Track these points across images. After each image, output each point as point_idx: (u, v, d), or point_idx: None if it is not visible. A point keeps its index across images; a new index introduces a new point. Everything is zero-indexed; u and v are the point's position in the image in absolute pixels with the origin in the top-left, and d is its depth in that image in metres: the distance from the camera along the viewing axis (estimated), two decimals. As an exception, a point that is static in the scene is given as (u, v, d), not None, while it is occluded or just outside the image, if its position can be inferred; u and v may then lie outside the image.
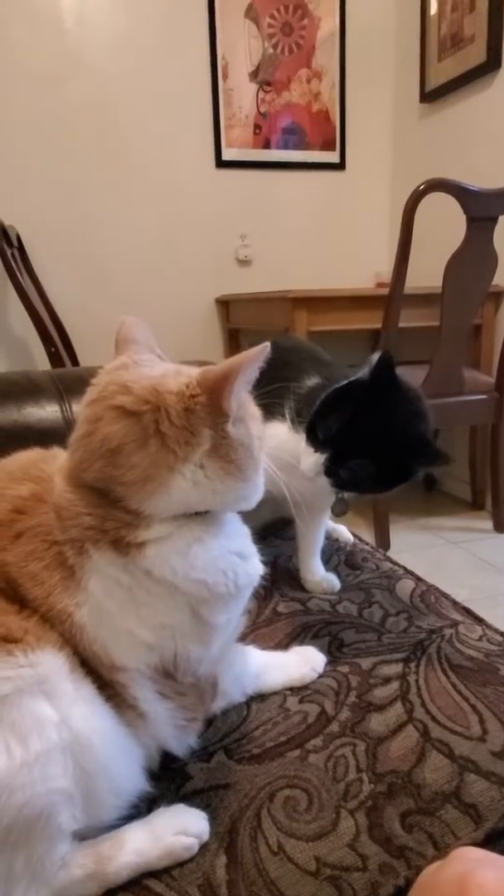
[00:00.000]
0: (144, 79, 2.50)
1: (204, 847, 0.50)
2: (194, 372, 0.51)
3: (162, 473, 0.49)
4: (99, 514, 0.49)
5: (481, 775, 0.54)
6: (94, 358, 2.45)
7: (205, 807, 0.53)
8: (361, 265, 2.88)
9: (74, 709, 0.46)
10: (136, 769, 0.53)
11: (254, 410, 0.55)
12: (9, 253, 2.14)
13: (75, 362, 2.39)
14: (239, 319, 2.70)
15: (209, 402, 0.49)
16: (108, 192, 2.54)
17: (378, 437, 0.72)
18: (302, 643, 0.74)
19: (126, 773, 0.51)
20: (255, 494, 0.55)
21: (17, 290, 2.11)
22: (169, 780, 0.57)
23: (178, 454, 0.49)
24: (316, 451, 0.75)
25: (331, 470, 0.74)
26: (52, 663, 0.46)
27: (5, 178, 2.41)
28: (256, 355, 0.49)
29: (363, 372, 0.74)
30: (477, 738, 0.57)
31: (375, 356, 0.73)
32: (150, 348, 0.58)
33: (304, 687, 0.67)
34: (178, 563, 0.50)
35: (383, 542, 2.12)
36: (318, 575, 0.89)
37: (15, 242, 2.30)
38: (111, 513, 0.49)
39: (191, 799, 0.55)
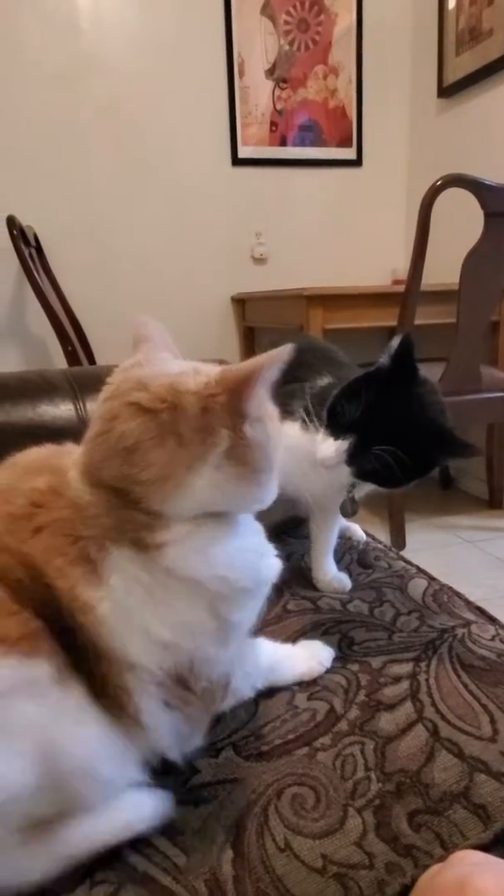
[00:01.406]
0: (160, 78, 2.51)
1: (211, 840, 0.51)
2: (213, 371, 0.50)
3: (180, 473, 0.48)
4: (118, 515, 0.49)
5: (491, 776, 0.54)
6: (111, 356, 2.48)
7: (213, 799, 0.54)
8: (378, 262, 2.87)
9: (57, 715, 0.46)
10: (128, 771, 0.52)
11: (272, 410, 0.55)
12: (27, 253, 2.16)
13: (92, 361, 2.40)
14: (254, 318, 2.70)
15: (228, 402, 0.48)
16: (125, 191, 2.56)
17: (405, 424, 0.70)
18: (311, 640, 0.74)
19: (115, 774, 0.51)
20: (269, 496, 0.55)
21: (35, 289, 2.13)
22: (177, 773, 0.57)
23: (196, 454, 0.48)
24: (336, 438, 0.73)
25: (354, 458, 0.72)
26: (40, 669, 0.46)
27: (24, 179, 2.43)
28: (279, 356, 0.48)
29: (384, 358, 0.73)
30: (487, 738, 0.56)
31: (396, 340, 0.72)
32: (166, 346, 0.58)
33: (313, 683, 0.67)
34: (198, 561, 0.50)
35: (399, 540, 2.10)
36: (330, 574, 0.88)
37: (33, 242, 2.32)
38: (130, 514, 0.49)
39: (198, 791, 0.55)
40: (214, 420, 0.48)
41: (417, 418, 0.71)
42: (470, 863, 0.29)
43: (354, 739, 0.59)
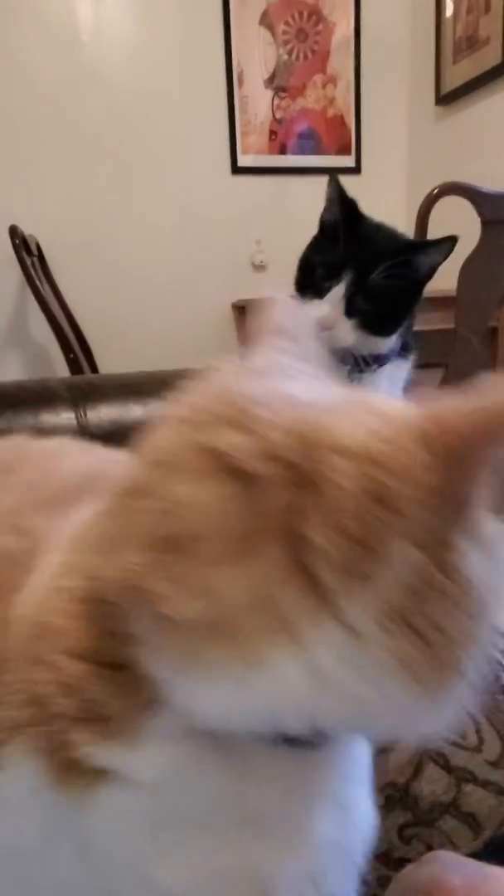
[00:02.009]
0: (160, 88, 2.53)
1: None
2: (402, 412, 0.25)
3: (261, 633, 0.22)
4: (83, 676, 0.24)
5: (479, 785, 0.55)
6: (113, 364, 2.50)
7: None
8: (378, 268, 2.88)
9: None
10: None
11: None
12: (29, 262, 2.18)
13: (94, 368, 2.42)
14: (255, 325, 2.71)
15: (447, 488, 0.22)
16: (126, 200, 2.58)
17: (383, 245, 0.71)
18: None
19: None
20: (448, 716, 0.25)
21: (37, 297, 2.15)
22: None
23: (323, 596, 0.22)
24: (323, 296, 0.72)
25: (351, 304, 0.70)
26: None
27: (26, 189, 2.45)
28: None
29: (328, 210, 0.77)
30: (473, 748, 0.57)
31: (330, 188, 0.76)
32: (307, 355, 0.31)
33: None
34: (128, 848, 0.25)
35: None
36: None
37: (35, 251, 2.34)
38: (100, 687, 0.24)
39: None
40: (397, 522, 0.22)
41: (389, 238, 0.72)
42: (442, 863, 0.30)
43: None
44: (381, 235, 0.73)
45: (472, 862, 0.30)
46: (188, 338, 2.60)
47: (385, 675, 0.22)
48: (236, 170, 2.68)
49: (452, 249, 0.72)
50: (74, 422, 1.17)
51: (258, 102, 2.65)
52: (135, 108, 2.52)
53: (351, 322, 0.72)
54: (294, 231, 3.07)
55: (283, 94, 2.68)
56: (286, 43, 2.64)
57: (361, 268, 0.70)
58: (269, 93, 2.67)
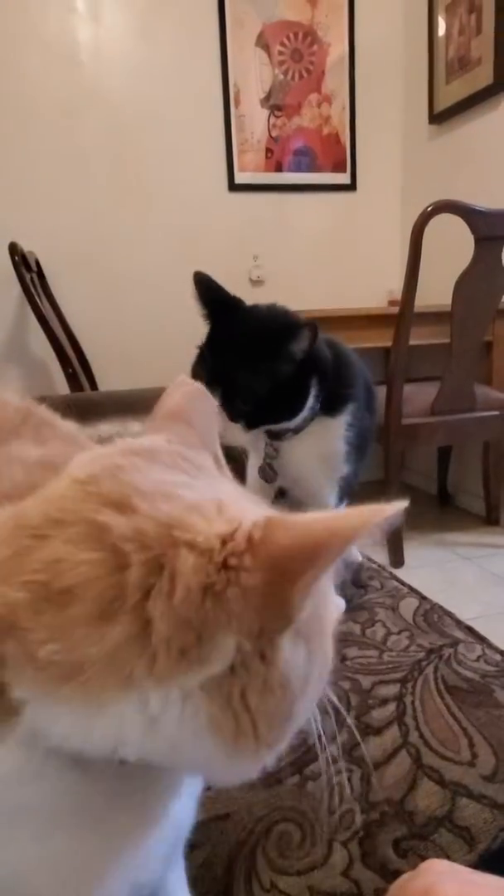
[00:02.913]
0: (158, 107, 2.57)
1: (205, 893, 0.51)
2: (252, 515, 0.29)
3: (107, 683, 0.26)
4: None
5: (473, 798, 0.56)
6: (112, 379, 2.51)
7: (206, 842, 0.55)
8: (374, 284, 2.91)
9: None
10: None
11: (328, 613, 0.32)
12: (28, 278, 2.20)
13: (93, 383, 2.44)
14: (252, 339, 2.74)
15: (268, 590, 0.26)
16: (124, 217, 2.61)
17: (240, 347, 0.72)
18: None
19: None
20: (252, 774, 0.31)
21: (36, 313, 2.17)
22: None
23: (159, 666, 0.26)
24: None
25: (231, 410, 0.72)
26: None
27: (26, 207, 2.48)
28: (372, 520, 0.27)
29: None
30: (466, 762, 0.58)
31: (195, 286, 0.76)
32: (205, 442, 0.36)
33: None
34: None
35: (397, 557, 2.12)
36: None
37: (34, 268, 2.37)
38: None
39: (194, 832, 0.56)
40: (223, 614, 0.26)
41: (255, 334, 0.73)
42: (436, 872, 0.31)
43: (343, 767, 0.61)
44: (248, 331, 0.72)
45: (465, 870, 0.31)
46: (186, 353, 2.62)
47: (200, 729, 0.27)
48: (233, 187, 2.72)
49: (316, 335, 0.72)
50: (74, 438, 1.18)
51: (254, 121, 2.70)
52: (133, 127, 2.56)
53: (238, 424, 0.74)
54: (290, 247, 3.14)
55: (278, 113, 2.73)
56: (282, 63, 2.69)
57: (230, 372, 0.72)
58: (266, 112, 2.71)
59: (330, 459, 0.86)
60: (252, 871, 0.52)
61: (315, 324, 0.73)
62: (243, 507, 0.30)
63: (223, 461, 0.37)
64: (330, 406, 0.82)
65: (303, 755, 0.62)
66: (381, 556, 2.09)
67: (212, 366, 0.72)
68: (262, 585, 0.26)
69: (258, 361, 0.70)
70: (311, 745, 0.63)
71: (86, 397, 1.54)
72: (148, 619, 0.26)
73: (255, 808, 0.57)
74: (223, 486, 0.33)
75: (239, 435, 0.75)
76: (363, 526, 0.26)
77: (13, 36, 2.36)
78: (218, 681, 0.26)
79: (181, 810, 0.36)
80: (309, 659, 0.29)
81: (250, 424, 0.74)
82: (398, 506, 0.29)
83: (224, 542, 0.27)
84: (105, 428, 1.22)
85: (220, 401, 0.72)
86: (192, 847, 0.54)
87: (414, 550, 2.21)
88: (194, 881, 0.52)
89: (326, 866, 0.52)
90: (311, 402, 0.78)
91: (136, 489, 0.28)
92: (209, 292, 0.74)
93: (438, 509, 2.72)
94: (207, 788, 0.59)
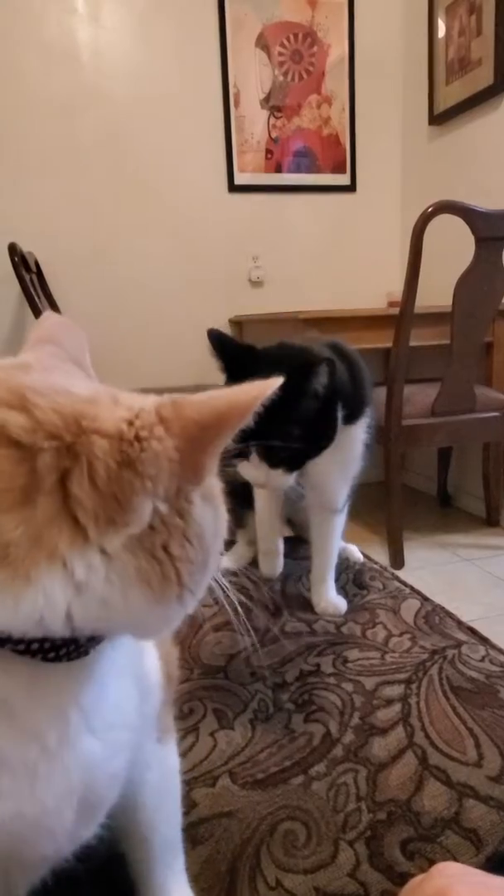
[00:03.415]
0: (158, 108, 2.57)
1: (208, 891, 0.51)
2: (147, 403, 0.32)
3: (33, 559, 0.29)
4: None
5: (480, 800, 0.55)
6: (111, 380, 2.51)
7: (209, 838, 0.54)
8: (374, 285, 2.91)
9: None
10: None
11: (217, 483, 0.37)
12: (27, 279, 2.20)
13: (92, 384, 2.43)
14: (252, 339, 2.73)
15: (180, 456, 0.31)
16: (124, 218, 2.61)
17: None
18: (306, 660, 0.75)
19: None
20: (178, 620, 0.35)
21: (35, 314, 2.16)
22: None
23: (83, 537, 0.30)
24: (248, 458, 0.74)
25: (270, 458, 0.72)
26: None
27: (25, 207, 2.48)
28: (262, 393, 0.32)
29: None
30: (473, 763, 0.58)
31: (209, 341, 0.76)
32: (76, 360, 0.41)
33: (310, 703, 0.68)
34: None
35: (397, 559, 2.11)
36: (325, 600, 0.90)
37: (34, 268, 2.36)
38: None
39: (196, 828, 0.56)
40: (139, 482, 0.30)
41: (272, 375, 0.72)
42: (448, 874, 0.30)
43: (348, 767, 0.60)
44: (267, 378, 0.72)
45: (478, 872, 0.31)
46: (185, 354, 2.62)
47: (128, 584, 0.30)
48: (233, 188, 2.72)
49: (335, 368, 0.73)
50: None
51: (254, 122, 2.70)
52: (133, 127, 2.56)
53: (280, 469, 0.74)
54: (290, 248, 3.13)
55: (278, 114, 2.72)
56: (282, 64, 2.69)
57: (258, 424, 0.71)
58: (265, 113, 2.71)
59: (351, 463, 0.88)
60: (256, 868, 0.52)
61: (332, 358, 0.73)
62: (134, 397, 0.34)
63: (94, 375, 0.41)
64: (350, 415, 0.82)
65: (308, 755, 0.62)
66: (382, 558, 2.09)
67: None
68: (173, 451, 0.30)
69: (284, 407, 0.70)
70: (315, 746, 0.63)
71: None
72: (67, 498, 0.29)
73: (260, 807, 0.57)
74: (101, 387, 0.36)
75: (283, 479, 0.75)
76: (258, 398, 0.32)
77: (13, 37, 2.36)
78: (140, 539, 0.31)
79: (93, 757, 0.36)
80: (215, 516, 0.34)
81: (292, 467, 0.74)
82: (277, 380, 0.34)
83: (130, 424, 0.31)
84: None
85: (257, 454, 0.73)
86: (195, 843, 0.54)
87: (414, 552, 2.20)
88: (196, 878, 0.51)
89: (333, 866, 0.51)
90: (339, 422, 0.79)
91: (29, 388, 0.31)
92: (223, 346, 0.74)
93: (439, 511, 2.72)
94: (212, 784, 0.58)
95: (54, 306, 2.46)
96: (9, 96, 2.39)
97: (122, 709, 0.38)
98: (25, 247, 2.28)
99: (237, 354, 0.76)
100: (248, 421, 0.33)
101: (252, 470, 0.75)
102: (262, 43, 2.65)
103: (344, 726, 0.65)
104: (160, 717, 0.46)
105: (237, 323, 2.80)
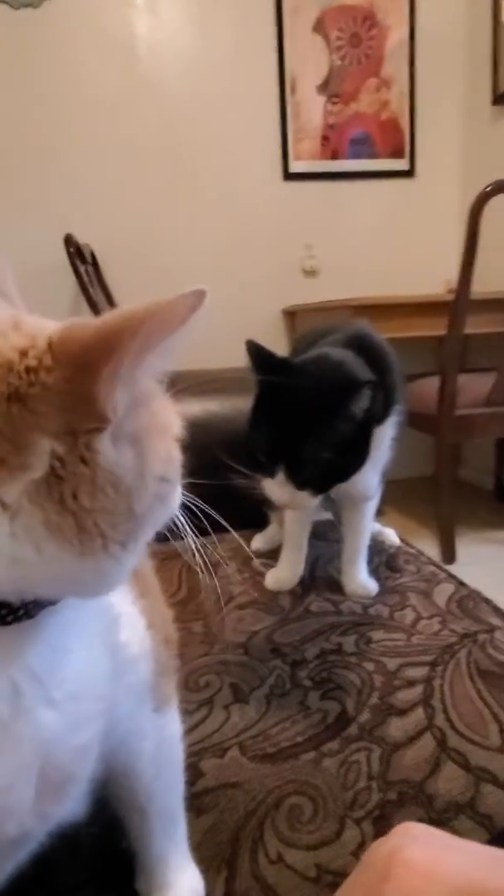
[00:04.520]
0: (213, 98, 2.58)
1: (209, 858, 0.49)
2: (49, 328, 0.29)
3: None
4: None
5: (498, 786, 0.52)
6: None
7: (213, 807, 0.53)
8: (432, 272, 2.82)
9: None
10: None
11: (164, 417, 0.33)
12: (83, 269, 2.25)
13: (144, 373, 2.46)
14: (305, 329, 2.70)
15: (69, 387, 0.26)
16: (179, 208, 2.63)
17: (305, 409, 0.67)
18: (328, 639, 0.73)
19: None
20: (118, 572, 0.31)
21: (90, 304, 2.21)
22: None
23: None
24: (273, 475, 0.70)
25: (298, 477, 0.69)
26: None
27: (83, 200, 2.53)
28: (183, 308, 0.29)
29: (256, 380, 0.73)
30: (495, 748, 0.54)
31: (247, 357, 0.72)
32: None
33: (328, 680, 0.66)
34: None
35: (448, 554, 2.04)
36: (355, 581, 0.87)
37: (89, 259, 2.41)
38: None
39: (201, 798, 0.54)
40: (31, 419, 0.27)
41: (313, 397, 0.68)
42: (410, 835, 0.28)
43: (362, 745, 0.58)
44: (304, 396, 0.68)
45: (443, 834, 0.28)
46: (237, 342, 2.61)
47: (40, 539, 0.27)
48: (288, 176, 2.69)
49: (377, 391, 0.68)
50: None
51: (311, 108, 2.66)
52: (188, 118, 2.57)
53: (306, 491, 0.70)
54: (345, 236, 3.08)
55: (335, 100, 2.68)
56: (339, 49, 2.64)
57: (290, 443, 0.68)
58: (322, 99, 2.67)
59: (381, 457, 0.84)
60: (259, 841, 0.50)
61: (374, 380, 0.69)
62: (45, 325, 0.29)
63: (18, 303, 0.37)
64: (381, 416, 0.78)
65: (322, 732, 0.60)
66: (433, 552, 2.02)
67: (270, 435, 0.69)
68: (62, 382, 0.26)
69: (319, 429, 0.67)
70: (329, 723, 0.61)
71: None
72: None
73: (268, 780, 0.55)
74: (10, 313, 0.31)
75: (308, 501, 0.72)
76: (156, 314, 0.27)
77: (73, 30, 2.41)
78: (45, 489, 0.27)
79: (51, 730, 0.33)
80: (140, 459, 0.29)
81: (319, 490, 0.71)
82: (200, 291, 0.30)
83: (24, 353, 0.27)
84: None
85: (284, 472, 0.69)
86: (199, 812, 0.53)
87: (466, 547, 2.12)
88: (197, 847, 0.50)
89: (337, 843, 0.49)
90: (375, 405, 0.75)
91: None
92: (260, 359, 0.71)
93: (494, 505, 2.61)
94: (221, 755, 0.57)
95: (108, 296, 2.50)
96: (67, 89, 2.44)
97: (90, 678, 0.36)
98: (81, 238, 2.33)
99: (274, 368, 0.72)
100: (152, 346, 0.28)
101: (276, 488, 0.71)
102: (320, 28, 2.61)
103: (361, 705, 0.63)
104: (155, 687, 0.44)
105: (290, 313, 2.78)
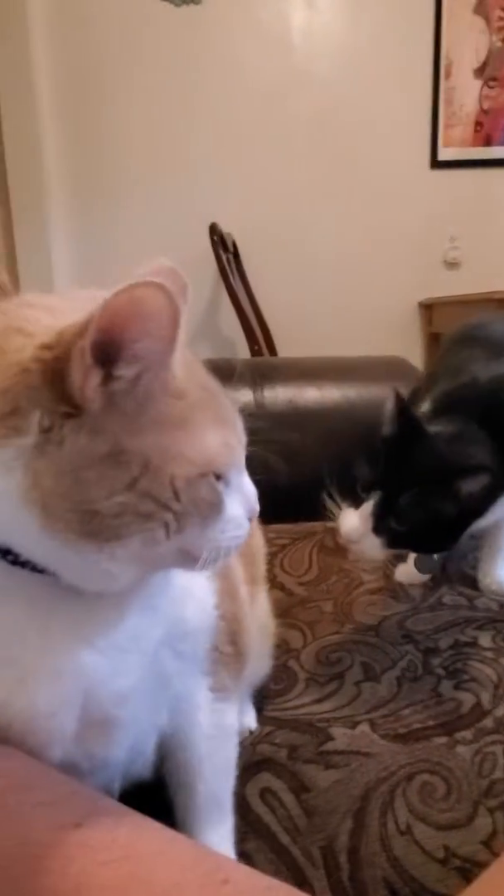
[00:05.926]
0: (365, 87, 2.55)
1: (334, 805, 0.50)
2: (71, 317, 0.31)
3: None
4: None
5: None
6: (294, 354, 2.54)
7: (344, 766, 0.54)
8: None
9: None
10: None
11: (192, 452, 0.33)
12: (224, 258, 2.31)
13: (275, 362, 2.50)
14: (441, 324, 2.61)
15: (55, 363, 0.30)
16: (322, 198, 2.63)
17: (422, 469, 0.67)
18: (463, 632, 0.71)
19: None
20: (92, 574, 0.34)
21: (230, 293, 2.27)
22: (311, 734, 0.58)
23: None
24: (359, 506, 0.69)
25: (380, 523, 0.67)
26: None
27: (229, 191, 2.60)
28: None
29: (386, 427, 0.70)
30: None
31: (390, 403, 0.69)
32: None
33: (463, 671, 0.65)
34: None
35: None
36: (491, 577, 0.84)
37: (231, 248, 2.48)
38: None
39: (329, 756, 0.56)
40: (26, 386, 0.30)
41: (435, 461, 0.67)
42: None
43: (498, 738, 0.56)
44: (430, 457, 0.68)
45: None
46: (371, 333, 2.57)
47: (17, 503, 0.30)
48: (436, 164, 2.61)
49: (489, 480, 0.64)
50: (252, 399, 1.22)
51: (465, 93, 2.55)
52: (338, 107, 2.56)
53: (379, 539, 0.67)
54: (494, 227, 2.92)
55: (493, 84, 2.55)
56: (500, 30, 2.51)
57: (394, 488, 0.65)
58: (478, 83, 2.55)
59: None
60: (389, 806, 0.50)
61: (492, 468, 0.67)
62: (75, 304, 0.34)
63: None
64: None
65: (455, 720, 0.59)
66: None
67: (383, 471, 0.69)
68: (51, 360, 0.30)
69: (429, 489, 0.67)
70: (463, 713, 0.60)
71: (267, 362, 1.58)
72: None
73: (399, 757, 0.55)
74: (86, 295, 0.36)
75: (372, 551, 0.70)
76: (109, 307, 0.28)
77: (231, 24, 2.48)
78: (28, 456, 0.30)
79: (92, 669, 0.37)
80: (112, 459, 0.31)
81: (392, 544, 0.69)
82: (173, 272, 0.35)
83: (49, 330, 0.31)
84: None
85: (375, 509, 0.68)
86: (327, 766, 0.54)
87: None
88: (325, 790, 0.52)
89: (468, 829, 0.48)
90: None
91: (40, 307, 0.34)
92: (400, 412, 0.71)
93: None
94: (352, 727, 0.58)
95: (246, 286, 2.56)
96: (224, 82, 2.52)
97: (138, 636, 0.39)
98: (225, 228, 2.40)
99: (410, 423, 0.71)
100: (118, 339, 0.30)
101: (352, 519, 0.69)
102: (481, 8, 2.49)
103: (498, 699, 0.61)
104: (213, 664, 0.46)
105: (426, 306, 2.70)
